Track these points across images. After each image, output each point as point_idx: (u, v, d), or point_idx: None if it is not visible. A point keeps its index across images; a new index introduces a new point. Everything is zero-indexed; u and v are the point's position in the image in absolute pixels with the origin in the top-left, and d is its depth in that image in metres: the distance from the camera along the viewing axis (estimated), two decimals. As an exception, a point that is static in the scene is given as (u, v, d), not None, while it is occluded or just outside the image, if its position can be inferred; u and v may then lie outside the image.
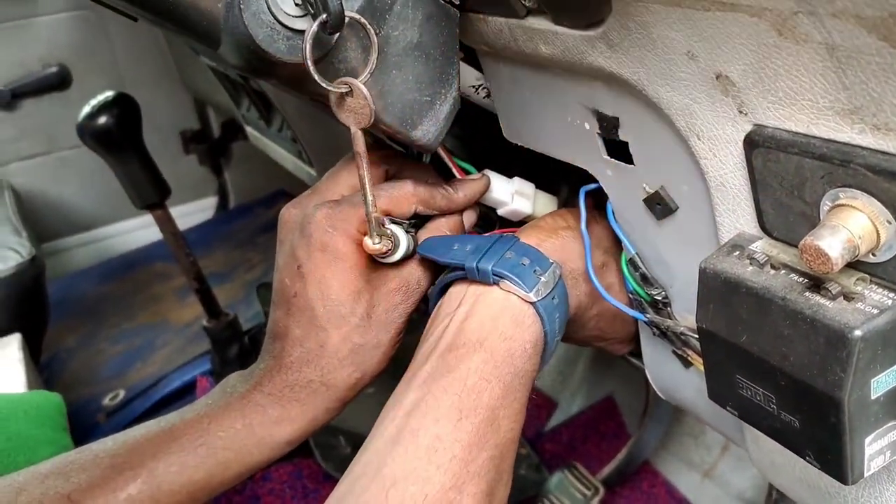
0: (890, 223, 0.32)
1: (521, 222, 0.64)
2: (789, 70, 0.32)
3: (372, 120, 0.47)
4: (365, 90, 0.46)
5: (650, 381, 0.63)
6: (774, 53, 0.32)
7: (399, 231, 0.53)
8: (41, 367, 1.39)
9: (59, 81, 1.82)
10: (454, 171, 0.59)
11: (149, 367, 1.59)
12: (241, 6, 0.43)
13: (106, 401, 1.49)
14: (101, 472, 0.51)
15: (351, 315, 0.53)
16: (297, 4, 0.45)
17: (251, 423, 0.54)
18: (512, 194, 0.61)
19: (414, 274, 0.55)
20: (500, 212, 0.62)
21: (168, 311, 1.81)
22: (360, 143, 0.49)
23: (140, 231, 2.09)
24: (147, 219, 1.99)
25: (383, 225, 0.53)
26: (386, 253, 0.52)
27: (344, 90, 0.47)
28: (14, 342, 1.15)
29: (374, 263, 0.55)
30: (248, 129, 1.46)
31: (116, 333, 1.75)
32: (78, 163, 1.92)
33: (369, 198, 0.51)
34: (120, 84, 1.92)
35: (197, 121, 2.14)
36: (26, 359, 1.12)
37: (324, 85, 0.45)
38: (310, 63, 0.44)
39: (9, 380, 1.05)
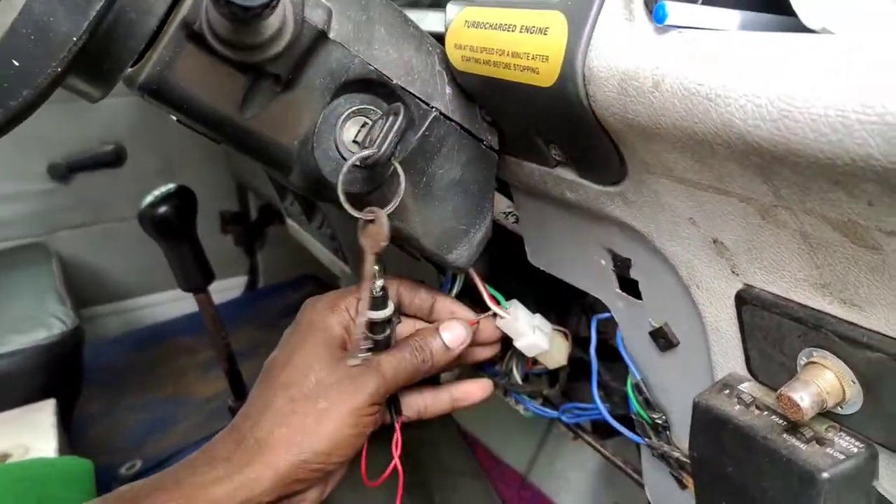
0: (854, 383, 0.37)
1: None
2: (772, 246, 0.39)
3: (384, 248, 0.52)
4: (385, 221, 0.51)
5: (649, 497, 0.67)
6: (759, 231, 0.39)
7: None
8: (64, 432, 1.44)
9: (115, 159, 1.92)
10: (485, 297, 0.63)
11: (168, 438, 1.63)
12: (314, 144, 0.51)
13: (123, 470, 1.52)
14: None
15: (304, 379, 0.54)
16: (356, 142, 0.52)
17: (181, 483, 0.52)
18: (534, 327, 0.65)
19: (385, 364, 0.56)
20: (517, 343, 0.65)
21: (191, 385, 1.85)
22: (368, 267, 0.54)
23: (171, 304, 2.15)
24: (178, 292, 2.07)
25: (364, 348, 0.56)
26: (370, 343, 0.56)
27: (370, 217, 0.52)
28: (49, 407, 1.20)
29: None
30: (289, 221, 1.54)
31: (140, 403, 1.79)
32: (120, 235, 2.00)
33: (361, 319, 0.56)
34: (168, 163, 2.03)
35: (237, 203, 2.24)
36: (59, 424, 1.16)
37: (351, 212, 0.51)
38: (341, 193, 0.50)
39: (42, 444, 1.10)
